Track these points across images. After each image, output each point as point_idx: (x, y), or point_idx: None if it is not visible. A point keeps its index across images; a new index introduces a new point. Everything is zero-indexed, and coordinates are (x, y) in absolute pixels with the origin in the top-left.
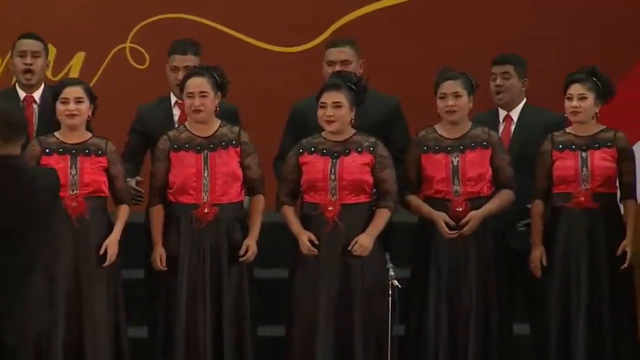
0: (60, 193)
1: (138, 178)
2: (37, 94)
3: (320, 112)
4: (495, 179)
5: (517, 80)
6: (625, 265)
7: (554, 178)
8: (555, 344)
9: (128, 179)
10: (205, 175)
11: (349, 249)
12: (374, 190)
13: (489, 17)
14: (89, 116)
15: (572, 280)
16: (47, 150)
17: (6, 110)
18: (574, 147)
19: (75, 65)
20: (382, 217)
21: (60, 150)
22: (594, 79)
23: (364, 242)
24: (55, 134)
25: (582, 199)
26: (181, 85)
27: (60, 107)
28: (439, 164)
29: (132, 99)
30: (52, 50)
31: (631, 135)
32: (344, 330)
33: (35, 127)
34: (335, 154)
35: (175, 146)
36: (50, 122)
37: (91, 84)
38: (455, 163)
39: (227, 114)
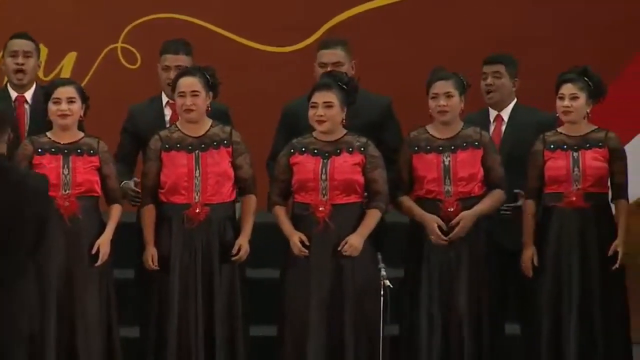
0: (51, 194)
1: (136, 179)
2: (28, 94)
3: (311, 112)
4: (486, 179)
5: (508, 80)
6: (617, 265)
7: (546, 178)
8: (547, 344)
9: (127, 181)
10: (197, 175)
11: (339, 249)
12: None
13: (480, 17)
14: (81, 116)
15: (563, 280)
16: (39, 150)
17: None
18: (565, 147)
19: (67, 65)
20: (372, 218)
21: (53, 150)
22: (586, 78)
23: (354, 242)
24: (47, 133)
25: (574, 198)
26: (173, 85)
27: (52, 107)
28: (431, 164)
29: (124, 99)
30: (44, 50)
31: (623, 136)
32: (335, 330)
33: (26, 127)
34: (326, 154)
35: (167, 146)
36: (42, 122)
37: (83, 84)
38: (446, 163)
39: (218, 114)
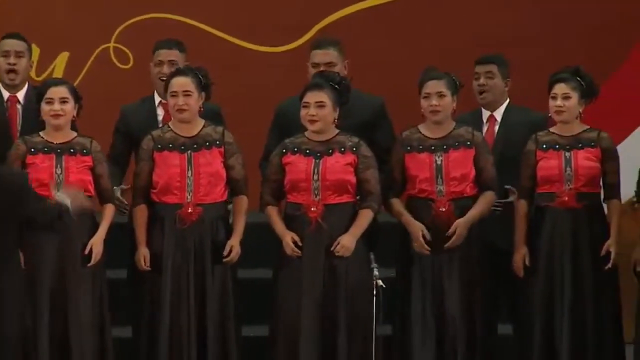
0: (44, 194)
1: (123, 187)
2: (20, 94)
3: (303, 111)
4: (478, 179)
5: (501, 80)
6: (610, 265)
7: (538, 178)
8: (539, 344)
9: (115, 187)
10: (189, 175)
11: (331, 249)
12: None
13: (472, 17)
14: (73, 116)
15: (556, 280)
16: (32, 150)
17: None
18: (557, 147)
19: (59, 65)
20: (364, 218)
21: (46, 149)
22: (578, 78)
23: (346, 242)
24: (40, 133)
25: (566, 198)
26: (165, 85)
27: (45, 107)
28: (423, 164)
29: (116, 99)
30: (36, 50)
31: (615, 136)
32: (328, 330)
33: (19, 127)
34: (318, 154)
35: (159, 146)
36: (34, 122)
37: (75, 84)
38: (438, 162)
39: (210, 114)
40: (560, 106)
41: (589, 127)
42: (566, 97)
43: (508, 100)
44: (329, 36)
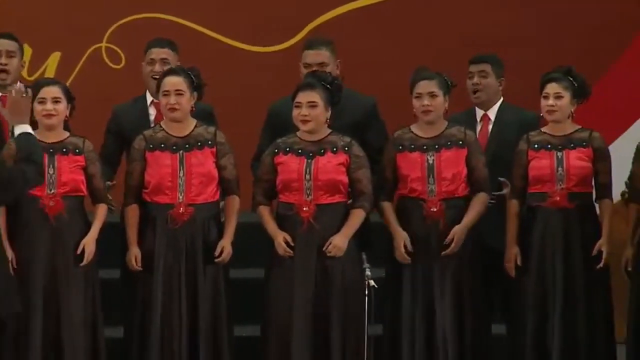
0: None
1: (109, 183)
2: None
3: (295, 111)
4: (469, 179)
5: (494, 79)
6: (601, 265)
7: (530, 178)
8: (531, 344)
9: None
10: (181, 175)
11: (323, 249)
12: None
13: (465, 17)
14: (66, 116)
15: (547, 280)
16: None
17: None
18: (549, 146)
19: (51, 65)
20: (356, 218)
21: None
22: (570, 78)
23: (338, 242)
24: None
25: (558, 198)
26: (157, 85)
27: (37, 107)
28: (415, 163)
29: (108, 99)
30: (28, 50)
31: (607, 136)
32: (320, 330)
33: (11, 127)
34: (311, 154)
35: (151, 146)
36: None
37: (67, 84)
38: (430, 162)
39: (202, 114)
40: (552, 106)
41: (580, 127)
42: (558, 97)
43: (502, 99)
44: (321, 36)
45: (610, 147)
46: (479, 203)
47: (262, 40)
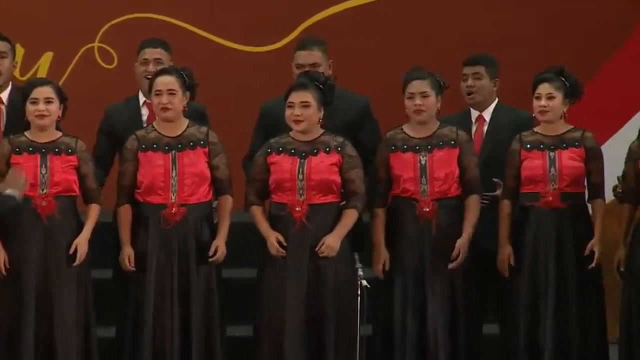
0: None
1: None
2: (4, 95)
3: (288, 111)
4: (461, 179)
5: (488, 80)
6: (594, 264)
7: (522, 178)
8: (524, 343)
9: None
10: (174, 175)
11: (316, 249)
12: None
13: (460, 17)
14: (59, 116)
15: (540, 280)
16: (17, 149)
17: None
18: (542, 146)
19: (44, 65)
20: (349, 218)
21: (30, 149)
22: (562, 78)
23: (331, 242)
24: (25, 133)
25: (550, 198)
26: (150, 84)
27: (30, 107)
28: (407, 163)
29: (101, 99)
30: (20, 50)
31: (600, 136)
32: (313, 330)
33: (2, 128)
34: (303, 154)
35: (143, 146)
36: (18, 122)
37: (59, 84)
38: (423, 162)
39: (195, 114)
40: (544, 106)
41: (573, 127)
42: (550, 97)
43: (497, 100)
44: (313, 36)
45: (603, 147)
46: (474, 208)
47: (255, 40)
